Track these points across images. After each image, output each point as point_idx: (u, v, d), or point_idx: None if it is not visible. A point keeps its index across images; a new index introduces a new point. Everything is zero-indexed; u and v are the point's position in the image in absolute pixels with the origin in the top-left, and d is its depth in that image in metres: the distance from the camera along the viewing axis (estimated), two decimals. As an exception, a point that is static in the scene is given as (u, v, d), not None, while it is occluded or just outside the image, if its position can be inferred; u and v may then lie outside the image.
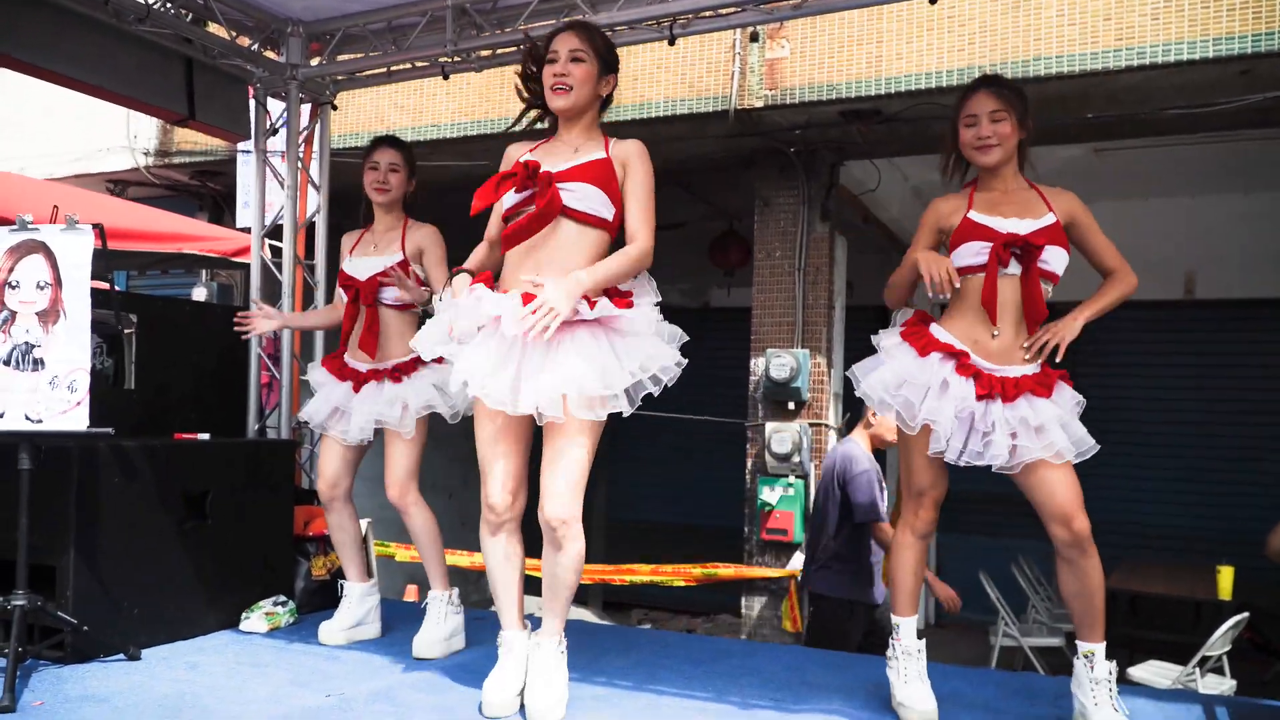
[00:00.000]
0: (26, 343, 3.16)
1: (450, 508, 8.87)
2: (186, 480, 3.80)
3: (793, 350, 6.73)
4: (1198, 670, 5.38)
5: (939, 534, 9.50)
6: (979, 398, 2.76)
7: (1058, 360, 2.81)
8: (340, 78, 5.12)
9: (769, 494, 6.71)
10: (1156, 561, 7.96)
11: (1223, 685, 5.42)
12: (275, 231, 5.12)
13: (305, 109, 5.28)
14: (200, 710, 2.91)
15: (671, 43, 4.36)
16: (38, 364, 3.15)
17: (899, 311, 3.04)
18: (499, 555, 3.02)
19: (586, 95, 2.95)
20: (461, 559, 7.08)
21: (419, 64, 4.89)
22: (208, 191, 9.05)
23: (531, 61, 3.04)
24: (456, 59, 4.70)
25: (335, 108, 5.27)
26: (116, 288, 5.44)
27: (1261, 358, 8.48)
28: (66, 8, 4.15)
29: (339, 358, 3.80)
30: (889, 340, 2.95)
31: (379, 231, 3.82)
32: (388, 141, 3.84)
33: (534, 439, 2.98)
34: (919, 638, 2.98)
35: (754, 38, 6.25)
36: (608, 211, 2.89)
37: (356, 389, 3.68)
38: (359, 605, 3.83)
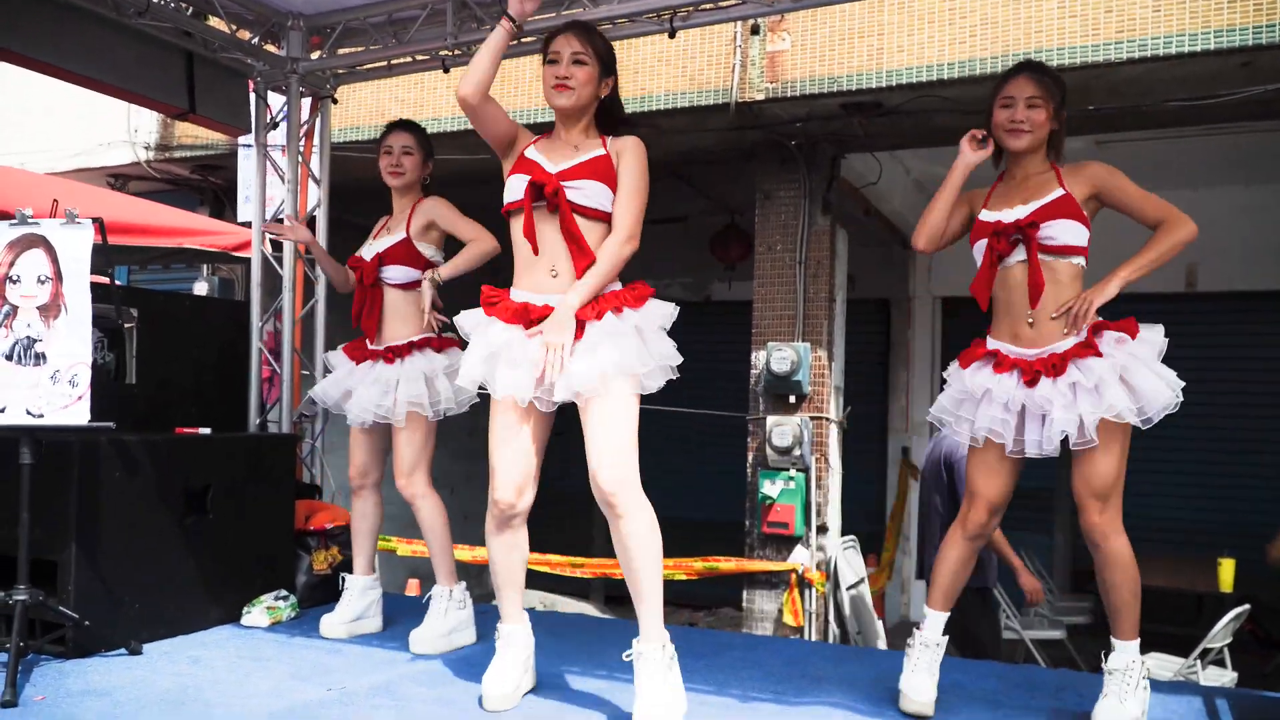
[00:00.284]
0: (28, 337, 3.16)
1: (452, 503, 8.82)
2: (188, 475, 3.80)
3: (794, 344, 6.72)
4: (1199, 662, 5.38)
5: (940, 527, 9.50)
6: (1027, 384, 2.76)
7: (1084, 324, 2.76)
8: (341, 71, 5.12)
9: (770, 487, 6.70)
10: (1157, 554, 7.93)
11: (1224, 677, 5.43)
12: (276, 226, 5.13)
13: (306, 103, 5.27)
14: (202, 704, 2.92)
15: (672, 35, 4.35)
16: (39, 359, 3.15)
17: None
18: (502, 549, 3.01)
19: (588, 96, 2.95)
20: (464, 553, 7.07)
21: (419, 57, 4.88)
22: (208, 186, 9.04)
23: None
24: (457, 52, 4.69)
25: (336, 101, 5.26)
26: (117, 282, 5.44)
27: (1263, 350, 8.46)
28: (67, 2, 4.14)
29: (361, 345, 3.81)
30: (950, 369, 3.01)
31: (394, 216, 3.85)
32: (401, 125, 3.84)
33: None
34: (943, 633, 2.98)
35: (755, 30, 6.23)
36: (610, 205, 2.91)
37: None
38: (361, 598, 3.83)
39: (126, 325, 4.03)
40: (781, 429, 6.66)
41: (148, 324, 4.20)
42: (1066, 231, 2.78)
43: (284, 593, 4.06)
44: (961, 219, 3.02)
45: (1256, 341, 8.50)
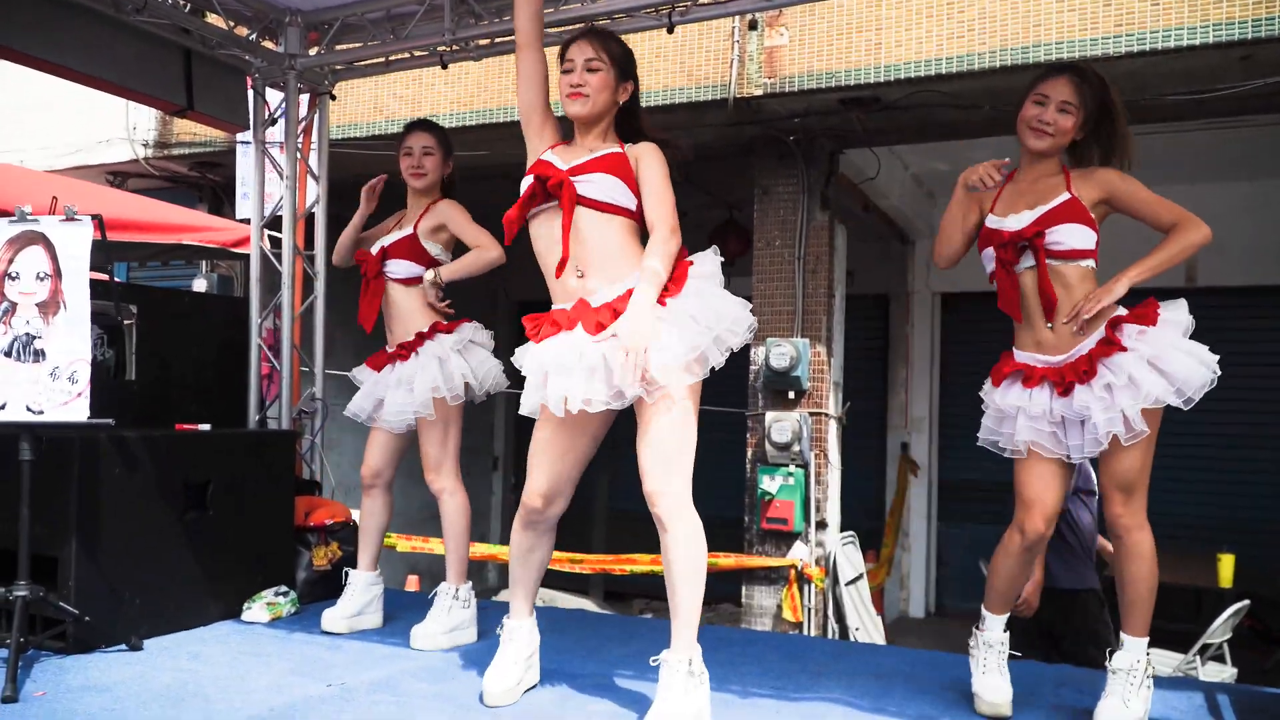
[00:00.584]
0: (27, 334, 3.16)
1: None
2: (187, 471, 3.81)
3: (793, 339, 6.72)
4: (1199, 658, 5.38)
5: (940, 522, 9.51)
6: (1060, 394, 2.75)
7: (1083, 320, 2.74)
8: (339, 67, 5.11)
9: (769, 483, 6.71)
10: (1157, 549, 7.95)
11: (1224, 673, 5.43)
12: (275, 222, 5.12)
13: (304, 99, 5.27)
14: (202, 700, 2.92)
15: (670, 30, 4.35)
16: (38, 355, 3.15)
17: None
18: (524, 547, 3.00)
19: (604, 102, 2.89)
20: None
21: (417, 53, 4.88)
22: (207, 183, 9.04)
23: None
24: (455, 48, 4.69)
25: (334, 98, 5.26)
26: (117, 279, 5.42)
27: (1263, 345, 8.46)
28: (64, -1, 4.14)
29: (379, 356, 3.83)
30: (984, 389, 2.99)
31: (408, 212, 3.86)
32: (420, 125, 3.84)
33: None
34: (1004, 630, 2.97)
35: (753, 25, 6.22)
36: (628, 200, 2.83)
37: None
38: (363, 594, 3.84)
39: (126, 322, 4.02)
40: (781, 425, 6.66)
41: (147, 320, 4.20)
42: (1072, 235, 2.77)
43: (284, 588, 4.07)
44: (975, 222, 3.00)
45: (1257, 337, 8.50)
